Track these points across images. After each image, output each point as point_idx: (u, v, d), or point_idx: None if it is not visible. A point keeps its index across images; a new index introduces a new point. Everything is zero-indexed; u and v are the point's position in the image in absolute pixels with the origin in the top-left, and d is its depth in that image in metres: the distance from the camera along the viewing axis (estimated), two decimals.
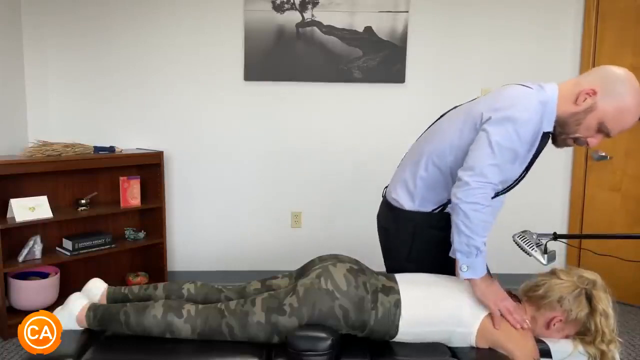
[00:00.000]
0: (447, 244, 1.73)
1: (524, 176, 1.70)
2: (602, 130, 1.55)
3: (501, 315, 1.62)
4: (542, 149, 1.64)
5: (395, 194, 1.87)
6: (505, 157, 1.55)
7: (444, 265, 1.80)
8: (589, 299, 1.65)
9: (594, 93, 1.53)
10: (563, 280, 1.69)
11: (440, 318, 1.63)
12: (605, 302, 1.64)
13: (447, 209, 1.79)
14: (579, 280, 1.68)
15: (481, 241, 1.58)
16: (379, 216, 2.01)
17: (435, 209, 1.81)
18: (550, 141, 1.66)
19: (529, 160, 1.65)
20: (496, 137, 1.54)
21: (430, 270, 1.80)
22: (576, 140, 1.61)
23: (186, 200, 3.50)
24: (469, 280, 1.62)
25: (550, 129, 1.60)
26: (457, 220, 1.58)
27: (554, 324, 1.67)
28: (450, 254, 1.68)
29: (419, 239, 1.83)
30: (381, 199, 2.03)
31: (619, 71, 1.53)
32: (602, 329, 1.62)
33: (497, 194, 1.69)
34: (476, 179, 1.55)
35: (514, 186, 1.74)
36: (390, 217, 1.90)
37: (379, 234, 2.00)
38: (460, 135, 1.69)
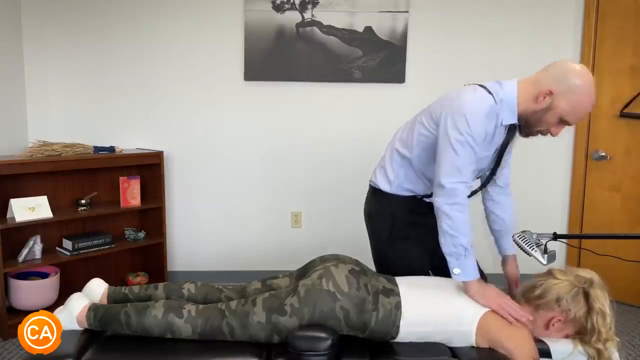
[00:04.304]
0: (430, 230, 1.81)
1: (497, 167, 1.87)
2: (562, 122, 1.69)
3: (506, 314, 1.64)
4: (510, 139, 1.81)
5: (375, 178, 2.03)
6: (468, 156, 1.69)
7: (427, 247, 1.92)
8: (587, 297, 1.65)
9: (551, 93, 1.64)
10: (560, 280, 1.69)
11: (440, 318, 1.64)
12: (602, 300, 1.64)
13: (426, 200, 1.92)
14: (576, 279, 1.68)
15: (467, 240, 1.67)
16: (365, 203, 2.10)
17: (412, 196, 1.93)
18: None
19: (494, 151, 1.81)
20: (454, 141, 1.68)
21: (412, 252, 1.90)
22: (540, 132, 1.76)
23: (186, 200, 3.50)
24: (464, 283, 1.69)
25: (513, 121, 1.73)
26: (442, 224, 1.70)
27: (553, 324, 1.68)
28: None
29: (399, 220, 1.94)
30: None
31: (574, 68, 1.63)
32: (598, 328, 1.62)
33: (483, 185, 1.93)
34: (449, 180, 1.69)
35: (490, 179, 1.92)
36: (372, 200, 2.04)
37: (365, 221, 2.08)
38: (422, 132, 1.85)
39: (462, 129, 1.68)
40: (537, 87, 1.68)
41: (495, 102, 1.70)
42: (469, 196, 1.81)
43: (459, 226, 1.67)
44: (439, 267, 1.90)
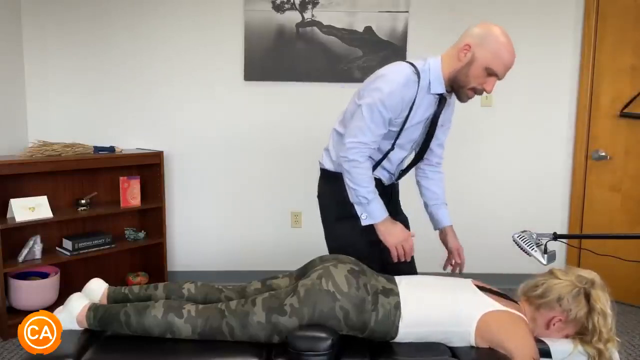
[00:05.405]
0: None
1: (429, 138, 1.95)
2: (490, 74, 1.76)
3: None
4: (441, 110, 1.90)
5: (322, 159, 2.09)
6: (375, 120, 1.81)
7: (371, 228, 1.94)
8: (588, 297, 1.65)
9: (469, 46, 1.75)
10: (561, 280, 1.69)
11: (439, 319, 1.64)
12: (603, 301, 1.64)
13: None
14: (577, 279, 1.68)
15: (366, 191, 1.83)
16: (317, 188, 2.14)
17: None
18: (457, 100, 1.91)
19: (425, 120, 1.89)
20: (364, 105, 1.82)
21: (358, 230, 1.90)
22: (474, 90, 1.81)
23: (186, 200, 3.50)
24: (375, 226, 1.86)
25: (440, 90, 1.84)
26: (345, 179, 1.86)
27: (554, 324, 1.67)
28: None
29: (346, 197, 1.93)
30: None
31: (484, 22, 1.78)
32: (599, 328, 1.62)
33: (418, 157, 2.02)
34: (350, 140, 1.83)
35: (424, 151, 2.00)
36: (321, 181, 2.10)
37: (319, 207, 2.11)
38: (353, 109, 1.92)
39: (375, 94, 1.80)
40: (456, 48, 1.80)
41: (417, 72, 1.81)
42: (406, 169, 2.05)
43: (357, 180, 1.82)
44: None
